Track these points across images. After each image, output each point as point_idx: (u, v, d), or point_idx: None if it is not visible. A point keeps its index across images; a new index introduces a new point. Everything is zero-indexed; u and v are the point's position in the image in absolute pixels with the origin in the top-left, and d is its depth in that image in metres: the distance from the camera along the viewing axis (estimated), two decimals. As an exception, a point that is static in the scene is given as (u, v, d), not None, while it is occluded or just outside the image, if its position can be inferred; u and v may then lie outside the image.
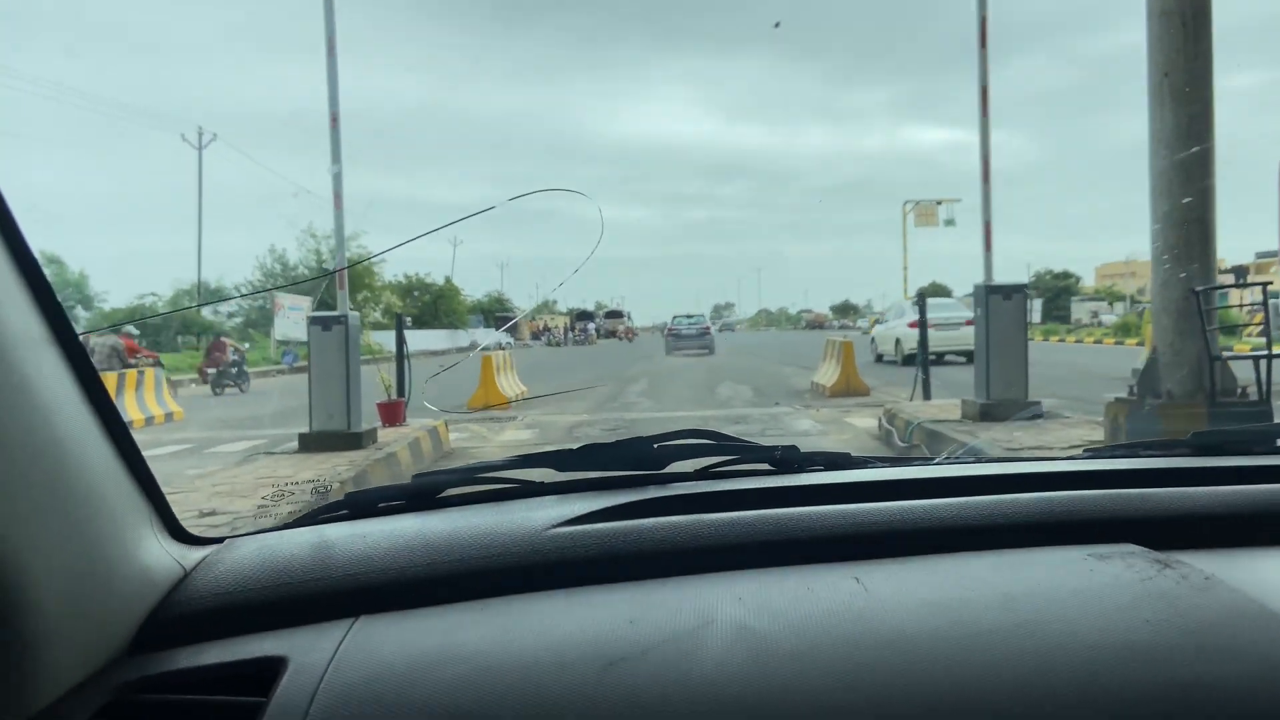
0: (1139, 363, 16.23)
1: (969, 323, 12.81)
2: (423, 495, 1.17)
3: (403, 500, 1.17)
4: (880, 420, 9.83)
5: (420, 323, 48.66)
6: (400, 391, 10.60)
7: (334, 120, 8.37)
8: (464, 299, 55.48)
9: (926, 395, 10.91)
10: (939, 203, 47.00)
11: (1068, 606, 0.84)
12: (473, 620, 0.87)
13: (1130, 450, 1.40)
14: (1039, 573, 0.92)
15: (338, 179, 8.38)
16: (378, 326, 45.02)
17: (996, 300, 8.47)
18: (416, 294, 51.41)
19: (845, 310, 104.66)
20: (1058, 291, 63.84)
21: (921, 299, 11.82)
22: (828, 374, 14.54)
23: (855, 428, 10.21)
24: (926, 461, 1.41)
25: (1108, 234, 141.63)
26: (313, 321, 8.37)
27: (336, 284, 8.91)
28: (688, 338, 29.98)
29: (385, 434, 9.12)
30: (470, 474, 1.23)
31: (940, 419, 8.61)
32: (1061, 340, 35.01)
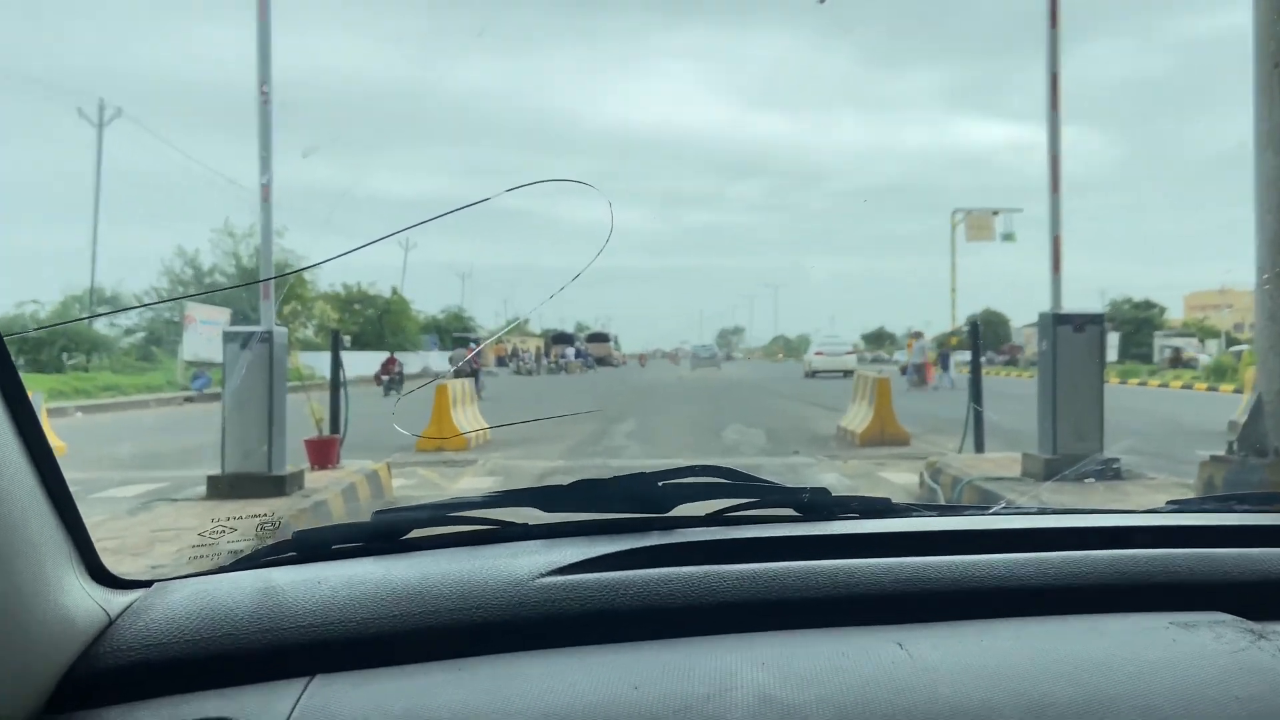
0: (1239, 414, 16.34)
1: (849, 352, 19.08)
2: (386, 536, 1.19)
3: (362, 542, 1.19)
4: (922, 476, 9.83)
5: (361, 342, 48.40)
6: (335, 426, 10.55)
7: (264, 96, 8.39)
8: (415, 315, 55.57)
9: (979, 446, 10.92)
10: (995, 213, 47.48)
11: (1146, 681, 0.85)
12: (448, 682, 0.89)
13: (1221, 504, 1.43)
14: (1113, 642, 0.93)
15: (265, 161, 8.38)
16: (309, 346, 44.89)
17: (1066, 333, 8.51)
18: (358, 307, 51.40)
19: (879, 339, 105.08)
20: (1138, 324, 64.40)
21: (974, 327, 11.85)
22: (858, 417, 14.55)
23: (891, 484, 10.20)
24: (980, 511, 1.43)
25: (1199, 257, 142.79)
26: (229, 338, 8.35)
27: (260, 294, 8.88)
28: (704, 358, 56.79)
29: (314, 478, 9.07)
30: (441, 512, 1.25)
31: (995, 476, 8.62)
32: (1142, 383, 35.23)
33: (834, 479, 10.56)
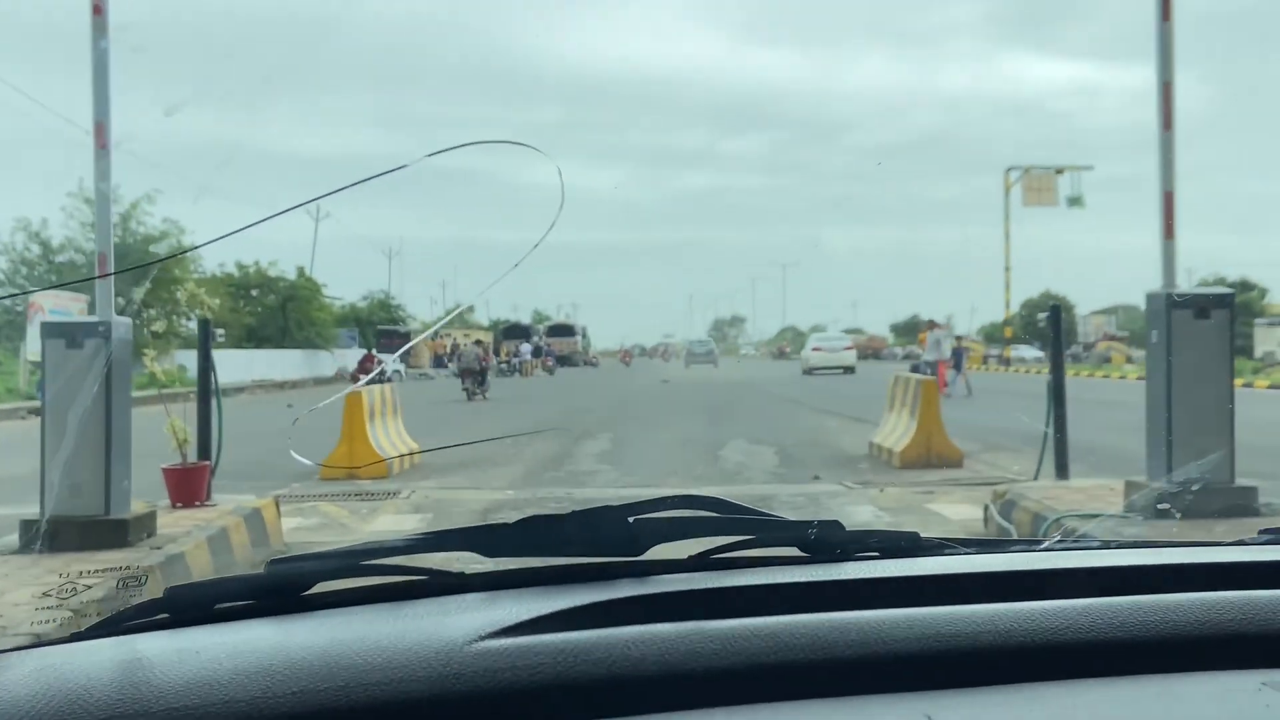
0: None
1: (848, 348, 19.80)
2: (282, 593, 1.20)
3: (252, 600, 1.20)
4: (988, 510, 9.26)
5: (262, 338, 48.03)
6: (204, 451, 9.86)
7: (96, 8, 7.68)
8: (329, 303, 54.75)
9: (1061, 471, 10.34)
10: (1059, 171, 47.03)
11: None
12: None
13: None
14: (1192, 709, 0.97)
15: (101, 91, 7.67)
16: (191, 343, 43.93)
17: (1185, 319, 7.89)
18: (256, 294, 50.59)
19: (912, 330, 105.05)
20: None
21: (1056, 313, 11.27)
22: (896, 431, 13.98)
23: (946, 521, 9.73)
24: (1030, 546, 1.43)
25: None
26: (49, 331, 7.63)
27: (97, 271, 8.19)
28: (699, 355, 63.86)
29: (173, 520, 8.40)
30: (353, 560, 1.25)
31: (1089, 513, 8.04)
32: (1248, 384, 34.89)
33: (869, 514, 10.07)
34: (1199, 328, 7.92)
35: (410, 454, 13.77)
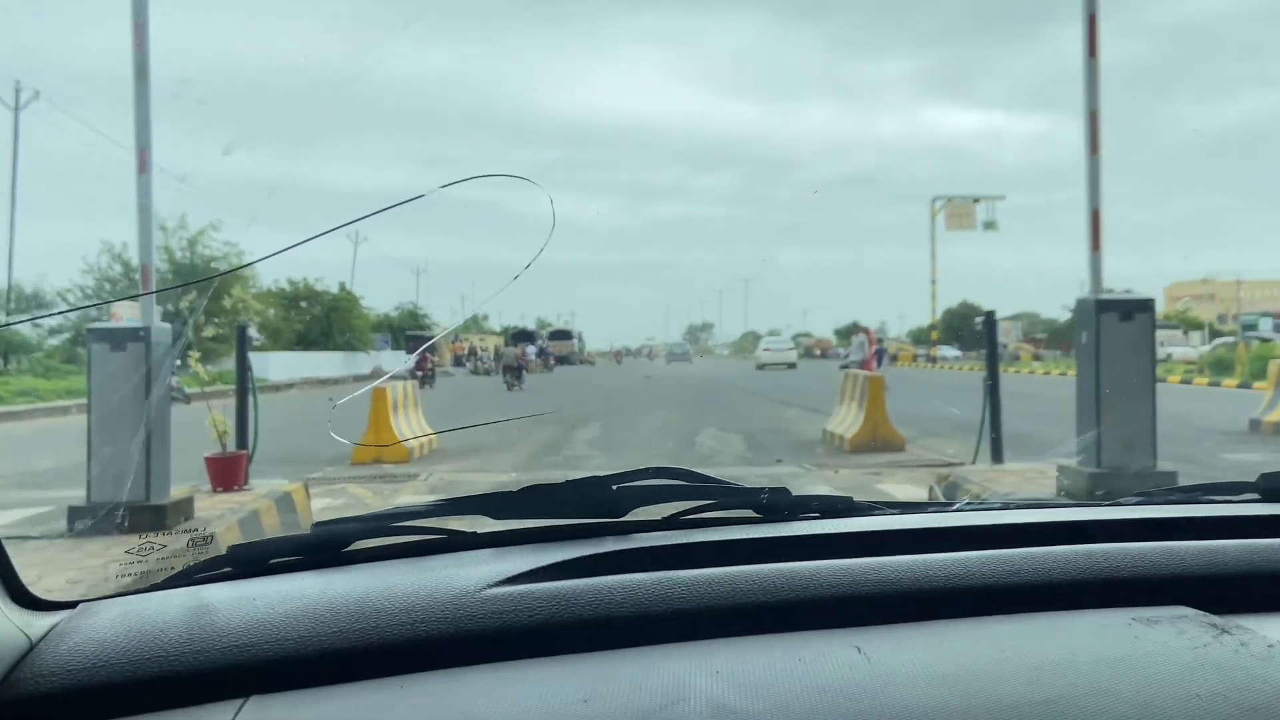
0: (1260, 411, 15.40)
1: (790, 349, 31.26)
2: (325, 549, 1.20)
3: (300, 556, 1.20)
4: (933, 491, 8.69)
5: (309, 342, 47.23)
6: (241, 441, 9.23)
7: (139, 36, 7.07)
8: (366, 312, 53.97)
9: (996, 456, 9.78)
10: (976, 200, 46.48)
11: (1106, 679, 0.87)
12: (390, 701, 0.89)
13: (1188, 495, 1.49)
14: (1074, 640, 0.96)
15: (143, 120, 7.06)
16: (251, 347, 42.97)
17: (1111, 321, 7.36)
18: (305, 305, 49.83)
19: (853, 334, 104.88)
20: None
21: (990, 319, 10.72)
22: (847, 420, 13.42)
23: (894, 499, 9.08)
24: (944, 507, 1.44)
25: (1174, 247, 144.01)
26: (95, 336, 7.01)
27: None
28: (678, 355, 67.65)
29: (211, 504, 7.78)
30: (384, 523, 1.26)
31: (1034, 499, 7.48)
32: (1160, 379, 34.35)
33: (824, 492, 9.42)
34: (1125, 330, 7.39)
35: (428, 435, 13.18)
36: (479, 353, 50.43)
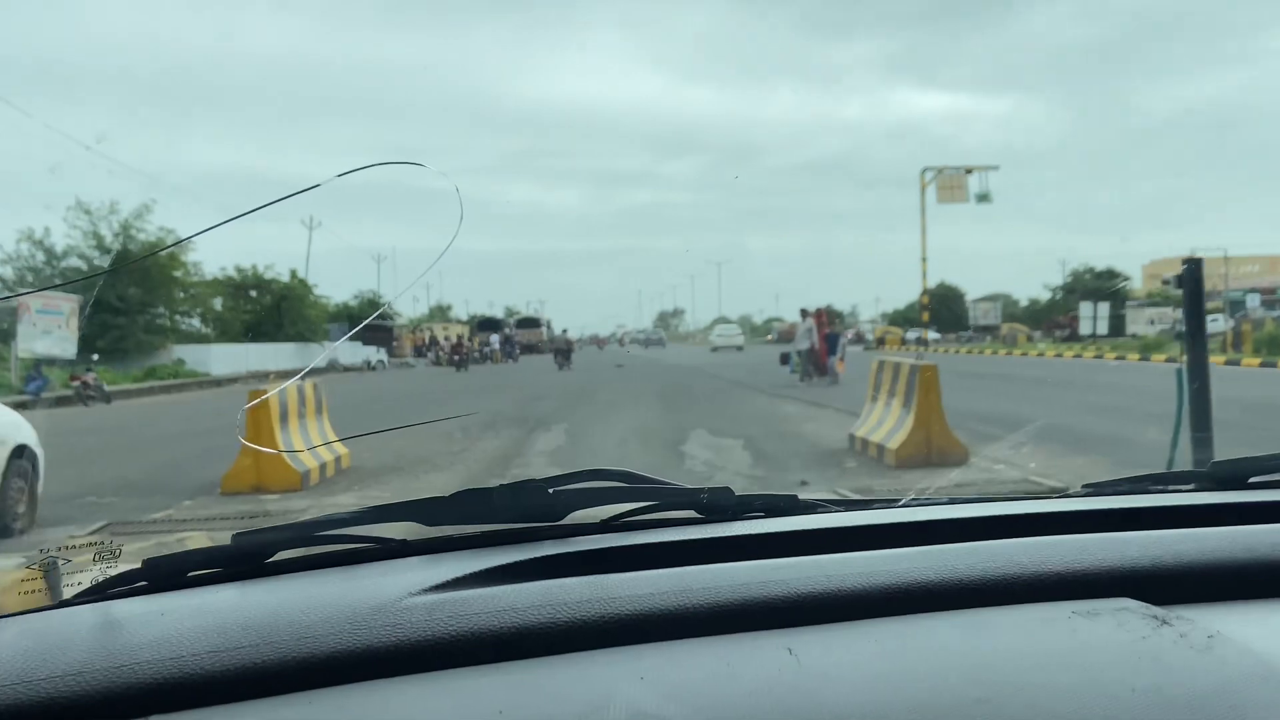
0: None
1: (737, 335, 48.67)
2: (245, 560, 1.17)
3: (220, 568, 1.16)
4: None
5: (260, 333, 43.68)
6: None
7: None
8: (320, 301, 50.26)
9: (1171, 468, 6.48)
10: (968, 171, 43.07)
11: (1041, 673, 0.85)
12: (295, 718, 0.85)
13: (1135, 485, 1.47)
14: (1013, 635, 0.94)
15: None
16: (192, 338, 39.82)
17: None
18: (254, 294, 46.19)
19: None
20: (1103, 296, 61.38)
21: (1194, 269, 7.49)
22: (886, 424, 10.11)
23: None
24: (890, 503, 1.42)
25: (1145, 226, 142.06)
26: None
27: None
28: (653, 340, 69.43)
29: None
30: (308, 531, 1.21)
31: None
32: (1172, 359, 31.46)
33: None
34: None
35: (326, 444, 9.86)
36: (438, 342, 46.80)
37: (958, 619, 0.97)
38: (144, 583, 1.12)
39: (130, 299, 33.38)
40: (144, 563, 1.13)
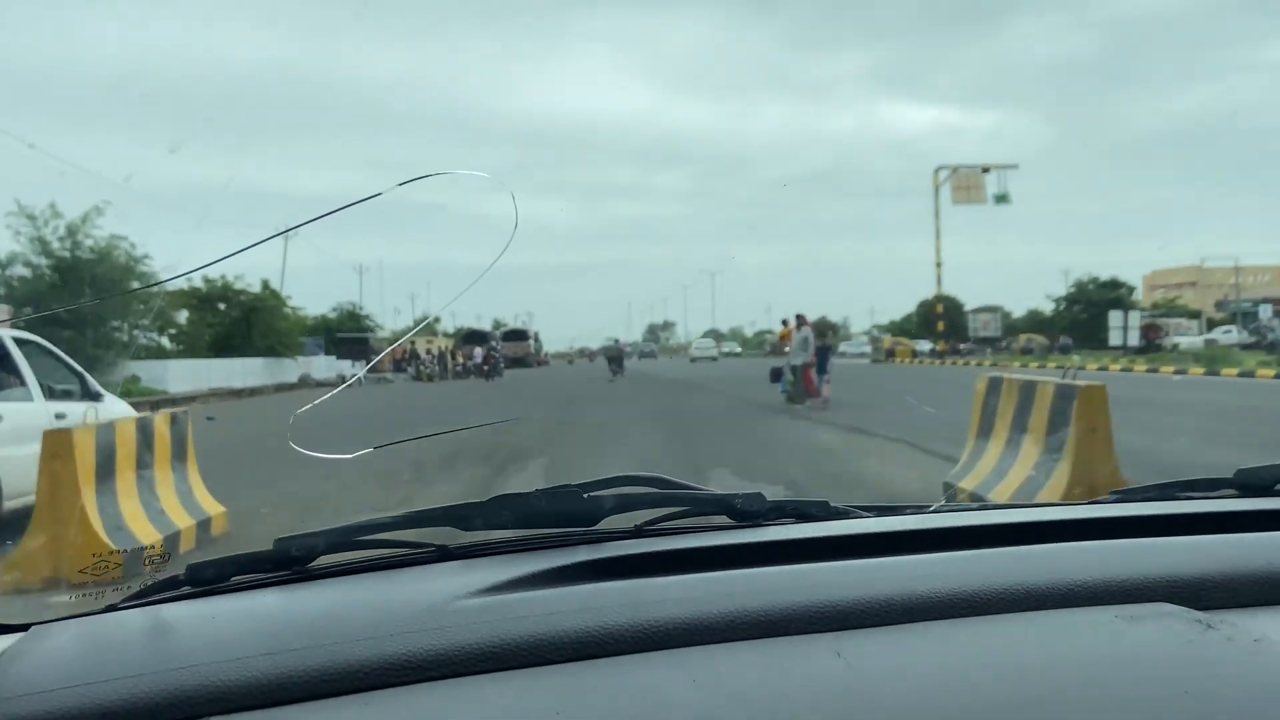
0: None
1: (713, 349, 57.76)
2: (287, 564, 1.16)
3: (262, 572, 1.16)
4: None
5: (229, 348, 40.39)
6: None
7: None
8: (298, 314, 46.90)
9: None
10: (986, 170, 39.62)
11: (1092, 677, 0.85)
12: (356, 719, 0.86)
13: (1164, 492, 1.45)
14: (1056, 639, 0.93)
15: None
16: (156, 354, 36.59)
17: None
18: (223, 306, 42.84)
19: (821, 330, 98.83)
20: (1106, 305, 58.44)
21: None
22: (1018, 475, 6.72)
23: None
24: (920, 509, 1.41)
25: (1138, 236, 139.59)
26: None
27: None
28: (646, 353, 68.14)
29: None
30: (348, 536, 1.20)
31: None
32: (1181, 372, 28.38)
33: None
34: None
35: (190, 536, 6.61)
36: (420, 356, 43.44)
37: (1002, 623, 0.96)
38: (187, 588, 1.13)
39: (79, 310, 30.14)
40: (187, 568, 1.13)
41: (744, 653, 0.91)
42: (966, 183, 39.20)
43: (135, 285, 34.70)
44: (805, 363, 18.67)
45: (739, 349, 72.55)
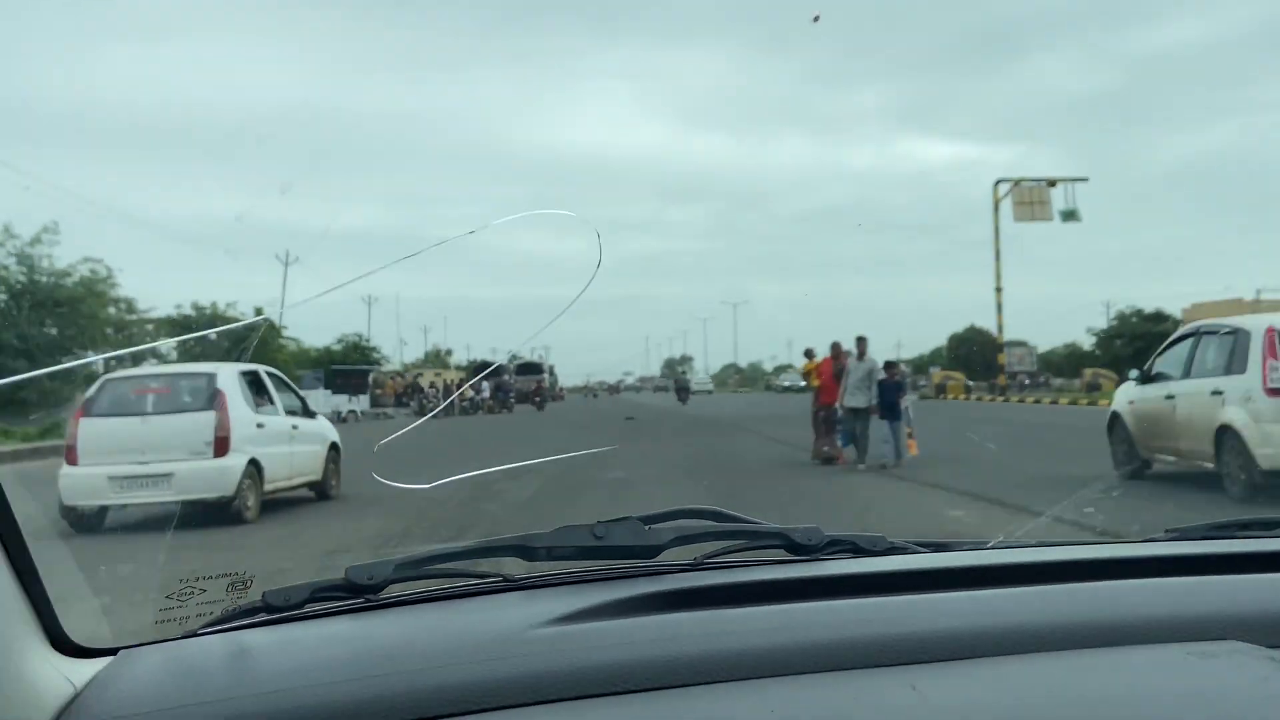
0: None
1: (710, 382, 72.03)
2: (359, 593, 1.17)
3: (335, 600, 1.17)
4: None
5: (222, 379, 37.37)
6: None
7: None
8: (294, 344, 43.97)
9: None
10: (1052, 184, 35.82)
11: (1167, 714, 0.84)
12: None
13: (1222, 530, 1.43)
14: (1130, 675, 0.93)
15: None
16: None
17: None
18: (215, 337, 39.84)
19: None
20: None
21: None
22: None
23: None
24: (978, 545, 1.41)
25: (1154, 275, 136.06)
26: None
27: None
28: (661, 388, 68.02)
29: None
30: (418, 566, 1.21)
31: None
32: None
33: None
34: None
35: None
36: (423, 389, 40.19)
37: (1071, 659, 0.96)
38: (264, 614, 1.13)
39: (34, 339, 27.18)
40: (264, 595, 1.14)
41: (819, 684, 0.92)
42: (1030, 198, 35.21)
43: (110, 311, 31.95)
44: (868, 405, 13.42)
45: (711, 387, 77.63)
